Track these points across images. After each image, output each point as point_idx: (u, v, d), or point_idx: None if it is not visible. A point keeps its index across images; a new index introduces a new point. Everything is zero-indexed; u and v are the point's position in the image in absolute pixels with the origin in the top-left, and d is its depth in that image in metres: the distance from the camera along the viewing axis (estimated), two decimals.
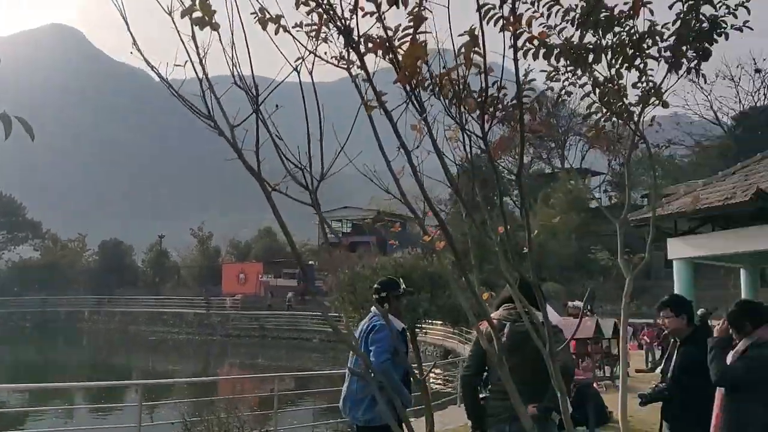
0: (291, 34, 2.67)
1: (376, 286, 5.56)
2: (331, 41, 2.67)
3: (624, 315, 3.26)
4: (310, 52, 2.67)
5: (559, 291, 37.12)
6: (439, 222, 2.85)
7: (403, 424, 3.08)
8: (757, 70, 49.65)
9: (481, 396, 4.62)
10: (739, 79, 50.11)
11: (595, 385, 14.14)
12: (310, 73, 2.74)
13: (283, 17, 2.64)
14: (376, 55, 2.60)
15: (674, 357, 5.36)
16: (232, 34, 2.45)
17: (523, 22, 2.89)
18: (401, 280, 5.58)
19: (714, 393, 4.80)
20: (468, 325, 28.44)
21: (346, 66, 2.64)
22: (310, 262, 68.98)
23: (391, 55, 2.60)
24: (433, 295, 15.28)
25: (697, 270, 14.56)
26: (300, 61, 2.62)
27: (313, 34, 2.66)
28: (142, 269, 73.53)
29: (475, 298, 2.55)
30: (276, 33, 2.63)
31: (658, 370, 19.51)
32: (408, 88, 2.52)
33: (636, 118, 3.36)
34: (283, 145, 2.54)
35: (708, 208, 10.94)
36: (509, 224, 2.99)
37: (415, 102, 2.53)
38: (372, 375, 5.00)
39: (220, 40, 2.45)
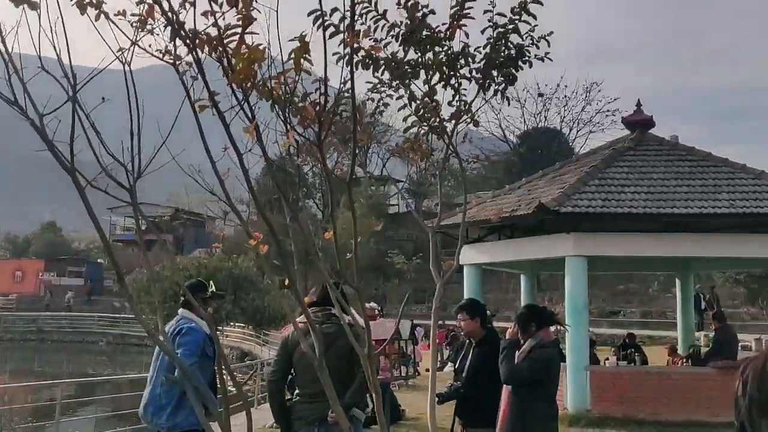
0: (112, 21, 2.51)
1: (184, 288, 5.39)
2: (158, 34, 2.55)
3: (434, 318, 3.48)
4: (133, 43, 2.53)
5: (356, 293, 38.10)
6: (241, 221, 2.84)
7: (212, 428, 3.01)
8: (540, 94, 54.58)
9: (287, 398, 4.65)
10: (525, 101, 54.72)
11: (390, 384, 14.68)
12: (127, 63, 2.60)
13: (105, 3, 2.48)
14: (202, 52, 2.53)
15: (469, 357, 5.76)
16: (49, 16, 2.26)
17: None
18: (211, 283, 5.44)
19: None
20: (277, 328, 28.29)
21: (171, 61, 2.54)
22: (99, 260, 64.73)
23: (219, 53, 2.54)
24: (236, 297, 15.08)
25: (482, 274, 15.74)
26: (120, 52, 2.47)
27: (138, 24, 2.53)
28: None
29: (301, 304, 2.58)
30: (96, 19, 2.46)
31: (447, 368, 20.77)
32: (241, 89, 2.49)
33: (449, 133, 3.57)
34: (107, 137, 2.38)
35: (498, 218, 11.87)
36: (314, 227, 3.05)
37: (246, 106, 2.50)
38: (181, 379, 4.83)
39: (39, 21, 2.25)
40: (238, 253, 26.56)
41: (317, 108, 2.49)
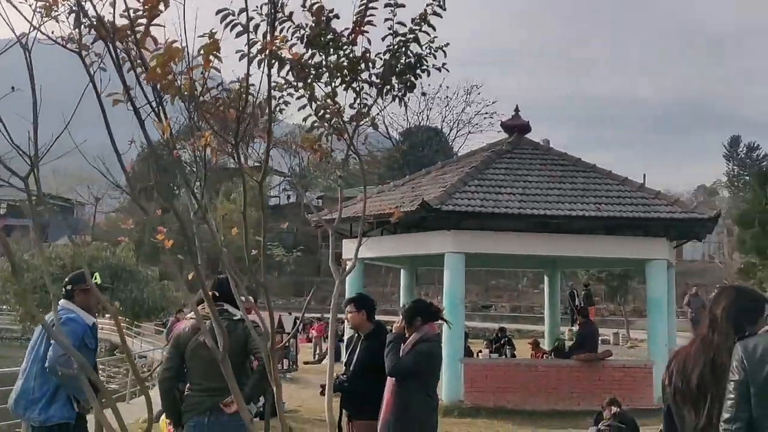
0: (12, 5, 2.43)
1: (66, 279, 5.22)
2: (64, 21, 2.49)
3: (333, 314, 3.57)
4: (35, 28, 2.46)
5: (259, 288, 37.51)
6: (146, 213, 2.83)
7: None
8: (423, 93, 55.72)
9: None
10: (408, 99, 55.63)
11: None
12: (28, 50, 2.52)
13: None
14: (111, 43, 2.49)
15: (357, 351, 5.92)
16: None
17: (259, 34, 3.02)
18: (96, 275, 5.27)
19: None
20: (151, 320, 27.31)
21: (77, 50, 2.49)
22: None
23: (127, 44, 2.51)
24: (114, 288, 14.49)
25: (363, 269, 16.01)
26: (24, 36, 2.39)
27: (42, 9, 2.45)
28: None
29: (207, 299, 2.61)
30: None
31: (325, 361, 20.89)
32: (151, 85, 2.48)
33: (350, 135, 3.68)
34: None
35: (380, 214, 12.11)
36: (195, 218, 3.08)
37: (160, 103, 2.50)
38: (55, 370, 4.70)
39: None
40: (110, 242, 25.51)
41: (237, 109, 2.53)
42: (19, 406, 5.13)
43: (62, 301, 5.17)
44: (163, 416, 8.90)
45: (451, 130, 59.04)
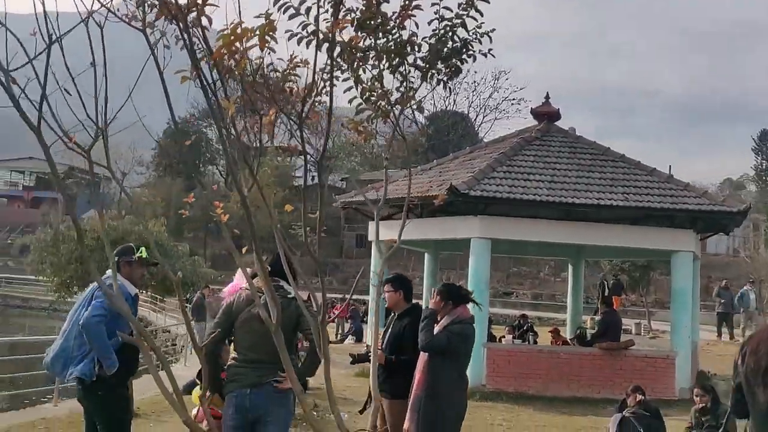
0: None
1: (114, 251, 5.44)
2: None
3: (376, 294, 3.63)
4: (102, 5, 2.55)
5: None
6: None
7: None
8: (449, 79, 55.44)
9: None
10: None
11: None
12: (100, 26, 2.62)
13: None
14: (175, 21, 2.58)
15: (390, 328, 6.05)
16: None
17: (310, 17, 3.10)
18: (143, 249, 5.49)
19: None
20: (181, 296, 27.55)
21: (141, 28, 2.58)
22: None
23: (189, 24, 2.60)
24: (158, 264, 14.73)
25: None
26: (88, 16, 2.49)
27: None
28: None
29: (263, 274, 2.72)
30: None
31: (347, 341, 21.09)
32: (214, 64, 2.57)
33: (396, 118, 3.75)
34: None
35: (412, 197, 12.17)
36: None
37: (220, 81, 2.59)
38: (87, 327, 4.91)
39: None
40: (136, 215, 25.92)
41: (303, 90, 2.62)
42: (57, 365, 5.36)
43: (109, 271, 5.36)
44: (196, 389, 9.11)
45: (477, 116, 58.79)
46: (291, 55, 3.26)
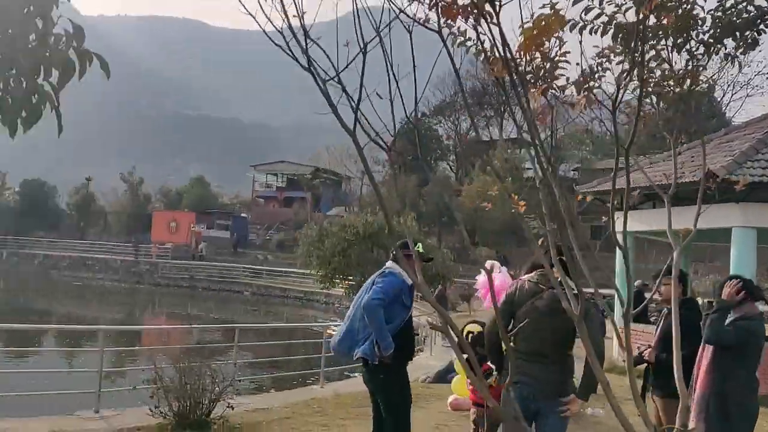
0: None
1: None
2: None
3: (674, 284, 3.48)
4: (400, 11, 2.69)
5: (491, 255, 37.97)
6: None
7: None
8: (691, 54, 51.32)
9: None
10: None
11: None
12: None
13: None
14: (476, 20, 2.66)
15: (661, 322, 5.77)
16: None
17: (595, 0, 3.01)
18: (419, 245, 5.87)
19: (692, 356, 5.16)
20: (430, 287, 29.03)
21: (436, 29, 2.69)
22: (243, 215, 68.23)
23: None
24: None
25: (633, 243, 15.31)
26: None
27: None
28: (66, 212, 70.62)
29: (562, 265, 2.71)
30: None
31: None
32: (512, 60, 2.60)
33: (682, 98, 3.53)
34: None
35: (659, 185, 11.43)
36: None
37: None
38: (368, 309, 5.35)
39: None
40: (373, 212, 27.37)
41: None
42: (344, 345, 5.93)
43: (389, 262, 5.96)
44: (456, 377, 9.35)
45: (724, 95, 53.68)
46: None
